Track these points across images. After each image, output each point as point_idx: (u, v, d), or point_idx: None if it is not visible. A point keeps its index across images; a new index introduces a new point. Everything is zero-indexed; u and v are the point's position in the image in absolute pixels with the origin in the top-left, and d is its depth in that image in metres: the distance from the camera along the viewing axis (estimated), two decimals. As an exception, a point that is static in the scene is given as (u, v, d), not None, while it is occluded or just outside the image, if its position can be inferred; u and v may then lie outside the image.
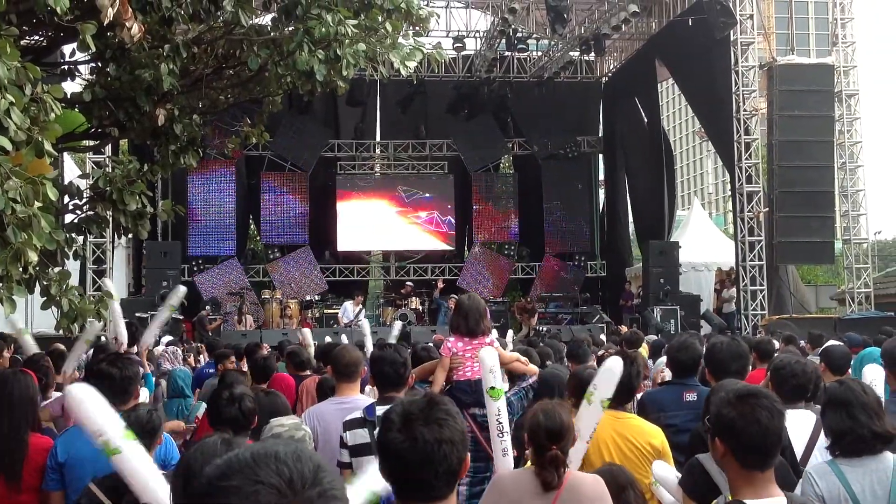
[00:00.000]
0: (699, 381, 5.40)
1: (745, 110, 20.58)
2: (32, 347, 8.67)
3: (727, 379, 3.82)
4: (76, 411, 2.91)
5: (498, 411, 4.49)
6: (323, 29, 6.25)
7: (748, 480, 2.88)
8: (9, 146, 3.89)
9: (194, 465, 2.54)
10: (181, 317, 19.91)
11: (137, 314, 18.82)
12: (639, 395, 6.82)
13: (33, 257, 4.37)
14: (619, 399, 4.76)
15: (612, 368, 4.33)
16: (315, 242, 26.86)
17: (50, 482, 4.74)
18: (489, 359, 4.65)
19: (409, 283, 25.30)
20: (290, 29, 7.28)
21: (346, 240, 27.12)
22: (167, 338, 13.24)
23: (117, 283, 21.36)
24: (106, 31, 5.75)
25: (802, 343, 10.64)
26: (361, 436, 4.65)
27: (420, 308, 23.79)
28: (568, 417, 3.86)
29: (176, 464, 2.53)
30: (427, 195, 27.71)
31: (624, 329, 15.10)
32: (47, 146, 4.53)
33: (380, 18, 7.08)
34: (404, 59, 6.71)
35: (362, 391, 5.84)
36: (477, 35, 26.12)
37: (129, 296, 22.29)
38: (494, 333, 6.89)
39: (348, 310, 22.22)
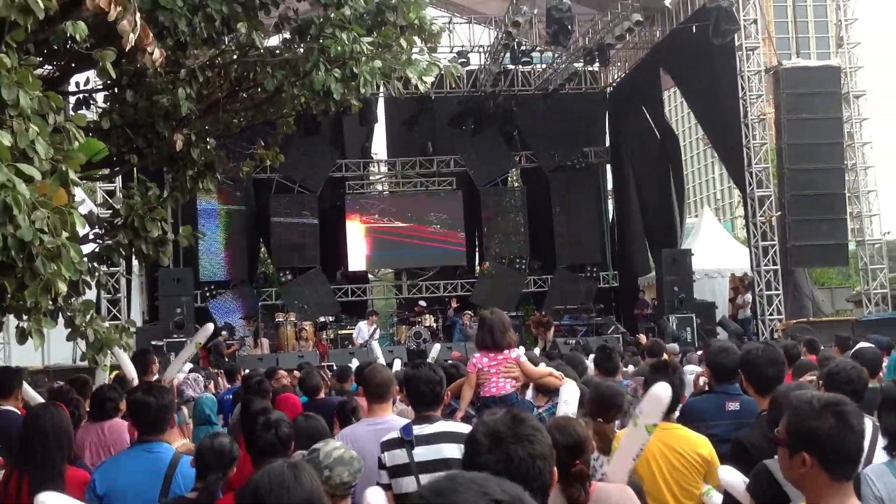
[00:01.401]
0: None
1: (752, 115, 20.53)
2: (36, 397, 8.20)
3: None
4: None
5: None
6: (339, 47, 6.22)
7: (835, 491, 2.74)
8: (38, 175, 3.85)
9: (262, 488, 2.50)
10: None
11: (153, 342, 18.78)
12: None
13: (63, 288, 4.32)
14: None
15: (661, 397, 4.13)
16: (326, 263, 26.82)
17: (89, 516, 4.67)
18: (567, 392, 4.62)
19: (421, 302, 25.21)
20: (302, 49, 7.27)
21: (357, 260, 27.11)
22: (188, 365, 13.16)
23: (133, 312, 21.35)
24: (121, 58, 5.73)
25: (833, 346, 10.48)
26: (400, 456, 4.59)
27: (434, 325, 23.69)
28: (583, 430, 3.79)
29: (241, 488, 2.47)
30: (436, 212, 27.67)
31: (643, 339, 14.97)
32: (72, 175, 4.49)
33: (392, 35, 7.06)
34: (421, 75, 6.67)
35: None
36: (481, 50, 26.11)
37: (144, 324, 22.22)
38: (521, 349, 6.81)
39: (363, 330, 22.15)
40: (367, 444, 4.95)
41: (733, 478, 3.73)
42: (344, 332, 23.37)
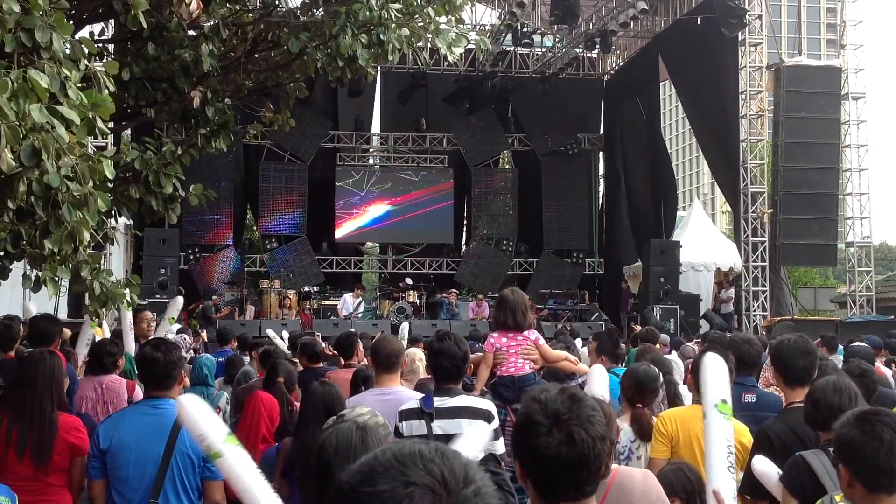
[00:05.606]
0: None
1: (751, 110, 20.57)
2: None
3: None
4: (184, 417, 2.86)
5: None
6: (367, 12, 6.11)
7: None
8: (77, 119, 3.72)
9: (329, 448, 2.47)
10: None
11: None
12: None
13: (86, 236, 4.23)
14: None
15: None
16: (313, 233, 26.68)
17: (92, 470, 4.58)
18: (598, 376, 4.56)
19: (408, 279, 25.09)
20: (321, 12, 7.14)
21: (344, 232, 26.98)
22: (175, 326, 13.04)
23: (115, 270, 21.10)
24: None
25: (821, 347, 10.49)
26: (418, 427, 4.55)
27: (417, 302, 23.62)
28: (608, 409, 3.72)
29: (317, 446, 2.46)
30: (426, 189, 27.56)
31: (637, 327, 14.92)
32: (100, 124, 4.37)
33: (416, 2, 6.95)
34: (450, 45, 6.58)
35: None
36: (481, 28, 25.90)
37: (127, 283, 21.97)
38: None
39: (348, 302, 22.07)
40: (375, 415, 4.91)
41: (767, 468, 3.71)
42: (327, 303, 23.26)
